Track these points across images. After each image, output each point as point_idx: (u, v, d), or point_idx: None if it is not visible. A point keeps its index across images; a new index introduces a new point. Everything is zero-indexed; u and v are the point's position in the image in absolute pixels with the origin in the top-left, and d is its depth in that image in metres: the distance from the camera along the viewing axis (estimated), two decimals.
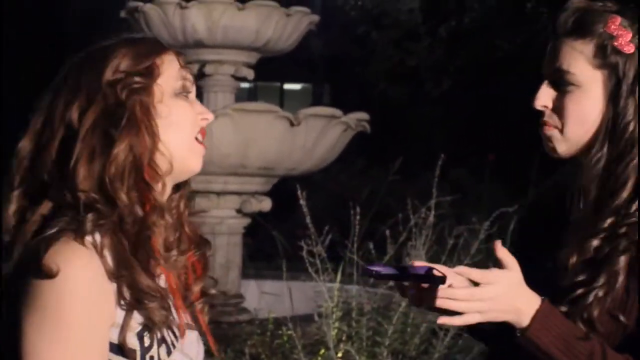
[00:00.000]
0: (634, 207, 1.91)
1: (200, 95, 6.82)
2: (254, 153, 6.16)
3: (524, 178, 9.06)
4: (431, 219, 5.12)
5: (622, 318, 1.87)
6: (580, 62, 1.97)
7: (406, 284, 1.91)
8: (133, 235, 1.75)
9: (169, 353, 1.76)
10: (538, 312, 1.86)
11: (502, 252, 1.87)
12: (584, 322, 1.88)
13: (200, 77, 6.77)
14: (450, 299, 1.83)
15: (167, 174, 1.81)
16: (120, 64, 1.81)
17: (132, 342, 1.72)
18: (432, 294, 1.86)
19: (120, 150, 1.75)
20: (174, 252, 1.83)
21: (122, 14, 6.87)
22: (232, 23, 6.54)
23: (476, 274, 1.84)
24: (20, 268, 1.70)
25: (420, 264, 1.90)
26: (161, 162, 1.80)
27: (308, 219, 4.92)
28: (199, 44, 6.65)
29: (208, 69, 6.73)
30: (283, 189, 6.93)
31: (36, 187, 1.77)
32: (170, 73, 1.85)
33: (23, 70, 14.13)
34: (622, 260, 1.88)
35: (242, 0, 6.65)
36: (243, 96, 18.52)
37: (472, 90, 14.33)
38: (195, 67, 6.75)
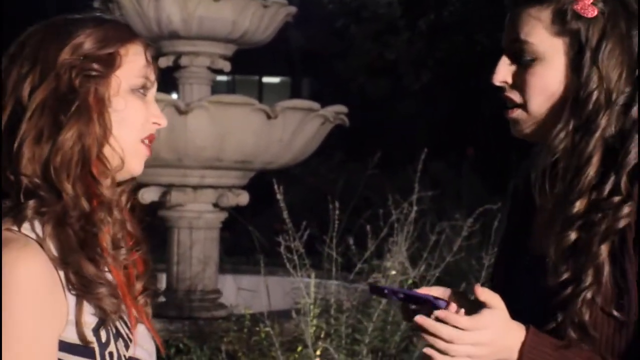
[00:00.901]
0: (607, 190, 1.75)
1: (175, 88, 6.73)
2: (231, 146, 6.07)
3: (503, 172, 9.01)
4: (413, 214, 5.03)
5: (616, 314, 1.73)
6: (538, 30, 1.81)
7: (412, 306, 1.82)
8: (79, 230, 1.66)
9: (127, 347, 1.68)
10: (524, 345, 1.73)
11: (484, 294, 1.73)
12: (575, 329, 1.75)
13: (175, 69, 6.67)
14: (437, 336, 1.70)
15: (117, 170, 1.73)
16: (83, 44, 1.71)
17: (90, 338, 1.63)
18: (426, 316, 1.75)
19: (67, 138, 1.66)
20: (122, 251, 1.73)
21: (96, 3, 6.74)
22: (207, 14, 6.44)
23: (465, 322, 1.70)
24: None
25: (424, 290, 1.82)
26: (111, 156, 1.72)
27: (285, 214, 4.83)
28: (174, 35, 6.54)
29: (183, 61, 6.62)
30: (261, 182, 6.85)
31: None
32: (133, 67, 1.74)
33: None
34: (604, 250, 1.74)
35: None
36: (221, 89, 18.44)
37: (451, 84, 14.29)
38: (171, 59, 6.64)
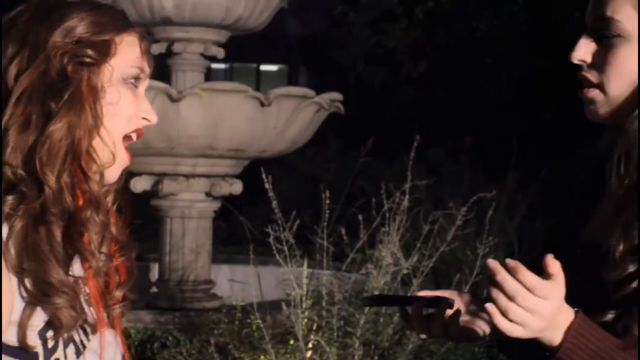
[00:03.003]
0: None
1: (168, 75, 6.64)
2: (224, 134, 5.99)
3: (502, 161, 8.94)
4: (405, 203, 4.95)
5: None
6: (626, 8, 1.71)
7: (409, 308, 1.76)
8: (60, 228, 1.54)
9: (77, 354, 1.56)
10: (570, 328, 1.63)
11: (556, 266, 1.60)
12: None
13: (168, 55, 6.58)
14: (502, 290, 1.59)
15: (108, 165, 1.62)
16: (76, 27, 1.59)
17: (33, 341, 1.52)
18: (440, 320, 1.70)
19: (57, 128, 1.54)
20: (101, 257, 1.60)
21: None
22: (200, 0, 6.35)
23: (533, 280, 1.58)
24: None
25: (425, 293, 1.74)
26: (101, 150, 1.60)
27: (275, 204, 4.75)
28: (167, 22, 6.44)
29: (176, 48, 6.52)
30: (257, 172, 6.79)
31: None
32: (127, 57, 1.64)
33: None
34: None
35: None
36: (219, 77, 18.42)
37: (449, 71, 14.22)
38: (164, 46, 6.55)
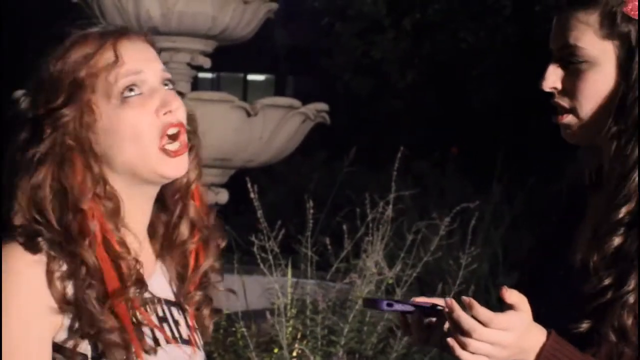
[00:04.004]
0: None
1: None
2: (210, 144, 5.86)
3: (488, 172, 8.99)
4: (389, 213, 4.98)
5: None
6: (587, 34, 1.77)
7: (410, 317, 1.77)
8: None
9: None
10: (543, 349, 1.67)
11: (513, 297, 1.66)
12: (615, 333, 1.69)
13: None
14: (461, 335, 1.64)
15: (115, 210, 1.67)
16: (50, 90, 1.65)
17: (84, 347, 1.61)
18: (440, 330, 1.71)
19: (40, 179, 1.62)
20: (130, 288, 1.65)
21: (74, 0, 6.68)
22: (187, 9, 6.38)
23: (486, 315, 1.64)
24: None
25: (423, 299, 1.75)
26: (109, 194, 1.66)
27: (260, 213, 4.78)
28: (154, 31, 6.32)
29: (163, 57, 6.36)
30: (244, 181, 6.82)
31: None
32: (104, 82, 1.64)
33: None
34: None
35: None
36: (205, 86, 18.42)
37: (436, 82, 14.28)
38: None
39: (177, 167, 1.68)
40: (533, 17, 12.92)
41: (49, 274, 1.58)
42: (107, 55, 1.65)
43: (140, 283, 1.66)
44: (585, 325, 1.72)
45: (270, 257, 4.72)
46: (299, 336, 4.72)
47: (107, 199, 1.65)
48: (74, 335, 1.59)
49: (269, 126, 6.13)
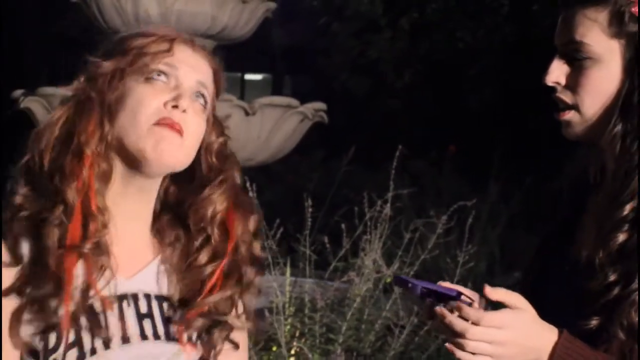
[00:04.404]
0: None
1: None
2: None
3: (485, 171, 9.01)
4: (387, 212, 5.00)
5: None
6: (594, 31, 1.78)
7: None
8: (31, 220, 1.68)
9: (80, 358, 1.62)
10: (556, 348, 1.69)
11: (496, 294, 1.69)
12: (624, 331, 1.71)
13: None
14: (456, 337, 1.67)
15: (105, 174, 1.69)
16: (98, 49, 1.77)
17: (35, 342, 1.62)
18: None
19: (55, 117, 1.70)
20: (88, 244, 1.66)
21: None
22: (186, 9, 6.39)
23: (473, 314, 1.67)
24: None
25: (448, 285, 1.75)
26: (101, 154, 1.70)
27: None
28: None
29: None
30: (244, 181, 6.83)
31: None
32: (148, 59, 1.72)
33: None
34: None
35: None
36: None
37: (433, 82, 14.30)
38: None
39: (170, 150, 1.69)
40: (530, 16, 12.94)
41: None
42: (162, 45, 1.74)
43: (99, 248, 1.67)
44: (594, 322, 1.73)
45: (269, 256, 4.74)
46: (297, 334, 4.74)
47: (103, 160, 1.68)
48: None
49: (267, 125, 6.14)
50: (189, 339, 1.74)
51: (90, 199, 1.65)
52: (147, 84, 1.70)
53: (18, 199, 1.65)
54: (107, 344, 1.64)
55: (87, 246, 1.65)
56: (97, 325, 1.63)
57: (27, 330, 1.61)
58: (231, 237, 1.75)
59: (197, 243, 1.74)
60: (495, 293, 1.69)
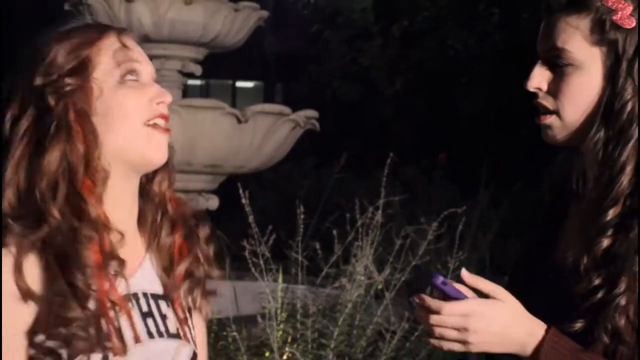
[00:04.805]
0: None
1: None
2: (201, 150, 6.05)
3: (476, 178, 9.05)
4: (378, 218, 5.04)
5: None
6: (576, 38, 1.81)
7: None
8: (61, 248, 1.64)
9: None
10: (542, 343, 1.75)
11: (474, 280, 1.76)
12: (608, 334, 1.75)
13: None
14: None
15: (104, 181, 1.70)
16: (53, 62, 1.69)
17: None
18: None
19: (51, 159, 1.65)
20: (114, 262, 1.70)
21: (66, 6, 6.72)
22: (179, 17, 6.43)
23: (434, 304, 1.74)
24: None
25: (463, 288, 1.80)
26: (108, 163, 1.70)
27: (251, 218, 4.83)
28: (145, 39, 6.41)
29: (154, 64, 6.53)
30: (236, 187, 6.87)
31: None
32: (108, 62, 1.71)
33: None
34: None
35: None
36: (195, 93, 18.43)
37: (424, 89, 14.34)
38: None
39: (162, 148, 1.73)
40: (521, 24, 13.00)
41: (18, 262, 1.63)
42: (112, 40, 1.73)
43: (120, 260, 1.70)
44: (579, 325, 1.77)
45: (262, 262, 4.77)
46: (289, 340, 4.76)
47: (102, 171, 1.70)
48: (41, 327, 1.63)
49: (259, 133, 6.18)
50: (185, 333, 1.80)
51: (106, 213, 1.71)
52: (122, 86, 1.71)
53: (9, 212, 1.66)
54: (125, 345, 1.69)
55: (114, 264, 1.70)
56: (116, 328, 1.68)
57: (50, 343, 1.64)
58: (180, 205, 1.85)
59: (158, 220, 1.81)
60: (471, 278, 1.76)
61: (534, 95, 1.88)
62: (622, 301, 1.74)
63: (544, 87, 1.86)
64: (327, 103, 14.57)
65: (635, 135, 1.79)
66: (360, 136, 14.46)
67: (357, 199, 5.11)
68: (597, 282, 1.77)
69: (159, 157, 1.74)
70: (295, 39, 17.29)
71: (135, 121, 1.70)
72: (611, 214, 1.78)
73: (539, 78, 1.86)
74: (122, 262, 1.70)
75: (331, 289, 5.04)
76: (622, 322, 1.74)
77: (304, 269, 5.03)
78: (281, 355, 4.64)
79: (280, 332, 4.74)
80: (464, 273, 1.77)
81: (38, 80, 1.68)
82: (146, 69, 1.75)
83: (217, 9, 6.55)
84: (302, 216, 4.96)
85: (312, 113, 6.53)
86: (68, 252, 1.64)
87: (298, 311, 4.79)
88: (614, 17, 1.80)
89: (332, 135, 12.53)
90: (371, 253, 4.98)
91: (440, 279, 1.76)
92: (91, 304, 1.65)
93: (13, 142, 1.66)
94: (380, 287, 5.05)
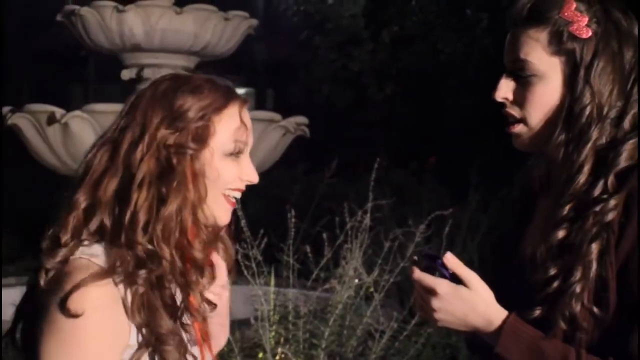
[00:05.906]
0: (597, 192, 1.88)
1: None
2: None
3: (465, 181, 9.12)
4: (367, 222, 5.12)
5: (595, 311, 1.86)
6: (537, 50, 1.94)
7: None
8: (172, 289, 1.81)
9: None
10: (504, 323, 1.89)
11: (454, 263, 1.91)
12: (565, 320, 1.87)
13: (138, 81, 6.73)
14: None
15: (212, 224, 1.88)
16: (182, 115, 1.81)
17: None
18: None
19: (170, 211, 1.79)
20: (206, 307, 1.88)
21: (59, 17, 6.80)
22: (169, 27, 6.52)
23: (415, 273, 1.93)
24: (49, 287, 1.74)
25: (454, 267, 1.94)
26: (205, 218, 1.86)
27: (243, 222, 4.91)
28: (137, 48, 6.61)
29: (146, 73, 6.69)
30: None
31: (89, 216, 1.79)
32: (226, 134, 1.84)
33: None
34: (594, 248, 1.86)
35: (180, 4, 6.63)
36: None
37: (414, 94, 14.40)
38: (134, 72, 6.71)
39: (227, 215, 1.90)
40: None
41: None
42: (234, 111, 1.85)
43: (212, 306, 1.92)
44: (537, 312, 1.90)
45: (254, 266, 4.84)
46: (281, 340, 4.83)
47: (202, 220, 1.89)
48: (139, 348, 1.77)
49: None
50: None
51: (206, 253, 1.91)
52: (227, 158, 1.85)
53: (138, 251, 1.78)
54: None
55: (204, 281, 1.90)
56: (193, 336, 1.88)
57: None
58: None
59: None
60: (451, 261, 1.91)
61: (502, 105, 2.01)
62: (578, 288, 1.86)
63: (510, 97, 1.99)
64: (318, 109, 14.63)
65: (593, 137, 1.92)
66: (350, 141, 14.51)
67: (346, 202, 5.19)
68: (553, 271, 1.90)
69: (223, 221, 1.90)
70: (285, 46, 17.35)
71: (220, 189, 1.85)
72: (567, 208, 1.90)
73: (505, 89, 1.99)
74: (213, 307, 1.92)
75: (322, 291, 5.11)
76: (577, 308, 1.86)
77: (295, 272, 5.10)
78: (274, 356, 4.70)
79: (273, 334, 4.81)
80: (448, 255, 1.91)
81: (164, 128, 1.80)
82: (249, 146, 1.89)
83: (207, 18, 6.64)
84: (293, 220, 5.03)
85: (302, 119, 6.60)
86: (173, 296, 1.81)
87: (290, 313, 4.85)
88: (571, 29, 1.93)
89: (323, 140, 12.59)
90: (360, 255, 5.06)
91: (441, 260, 1.92)
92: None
93: (138, 179, 1.78)
94: (369, 288, 5.12)
